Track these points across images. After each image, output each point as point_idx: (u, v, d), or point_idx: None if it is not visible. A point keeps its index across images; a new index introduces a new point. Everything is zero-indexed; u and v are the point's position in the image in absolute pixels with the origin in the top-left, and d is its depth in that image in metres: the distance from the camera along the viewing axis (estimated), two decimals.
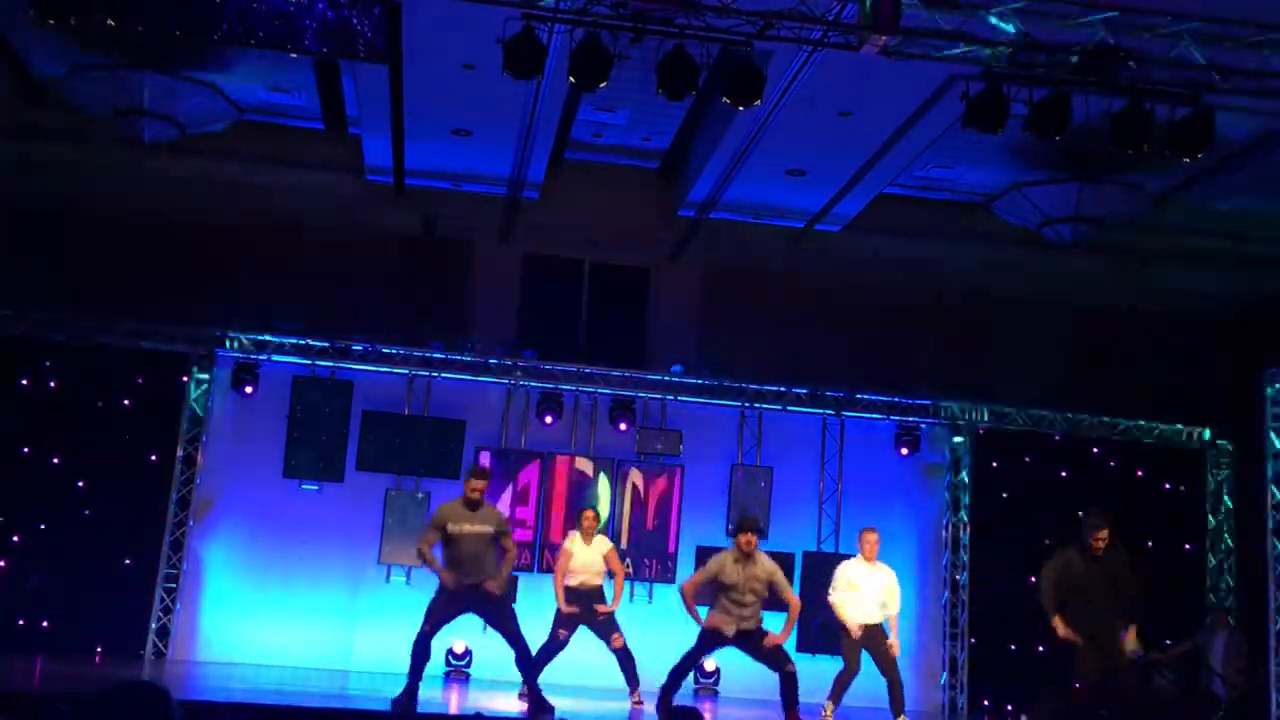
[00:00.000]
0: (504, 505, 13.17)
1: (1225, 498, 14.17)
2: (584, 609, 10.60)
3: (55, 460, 12.55)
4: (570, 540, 10.85)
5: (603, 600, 10.67)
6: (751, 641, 9.48)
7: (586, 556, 10.73)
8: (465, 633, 12.72)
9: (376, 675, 11.07)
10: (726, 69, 8.97)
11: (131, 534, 12.57)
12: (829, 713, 10.53)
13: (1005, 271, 13.77)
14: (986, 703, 13.34)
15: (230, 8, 8.61)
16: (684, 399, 13.70)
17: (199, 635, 12.72)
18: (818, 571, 13.30)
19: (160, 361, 12.96)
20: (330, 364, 13.16)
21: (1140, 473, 14.28)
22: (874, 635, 10.50)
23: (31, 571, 12.23)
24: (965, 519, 13.85)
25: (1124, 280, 13.99)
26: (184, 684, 10.59)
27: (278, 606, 12.72)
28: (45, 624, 12.15)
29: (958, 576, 13.72)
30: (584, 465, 13.46)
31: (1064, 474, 14.12)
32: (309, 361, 13.14)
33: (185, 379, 12.97)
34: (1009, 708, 13.09)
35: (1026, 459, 14.09)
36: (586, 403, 13.63)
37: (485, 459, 12.84)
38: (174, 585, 12.57)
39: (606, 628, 10.60)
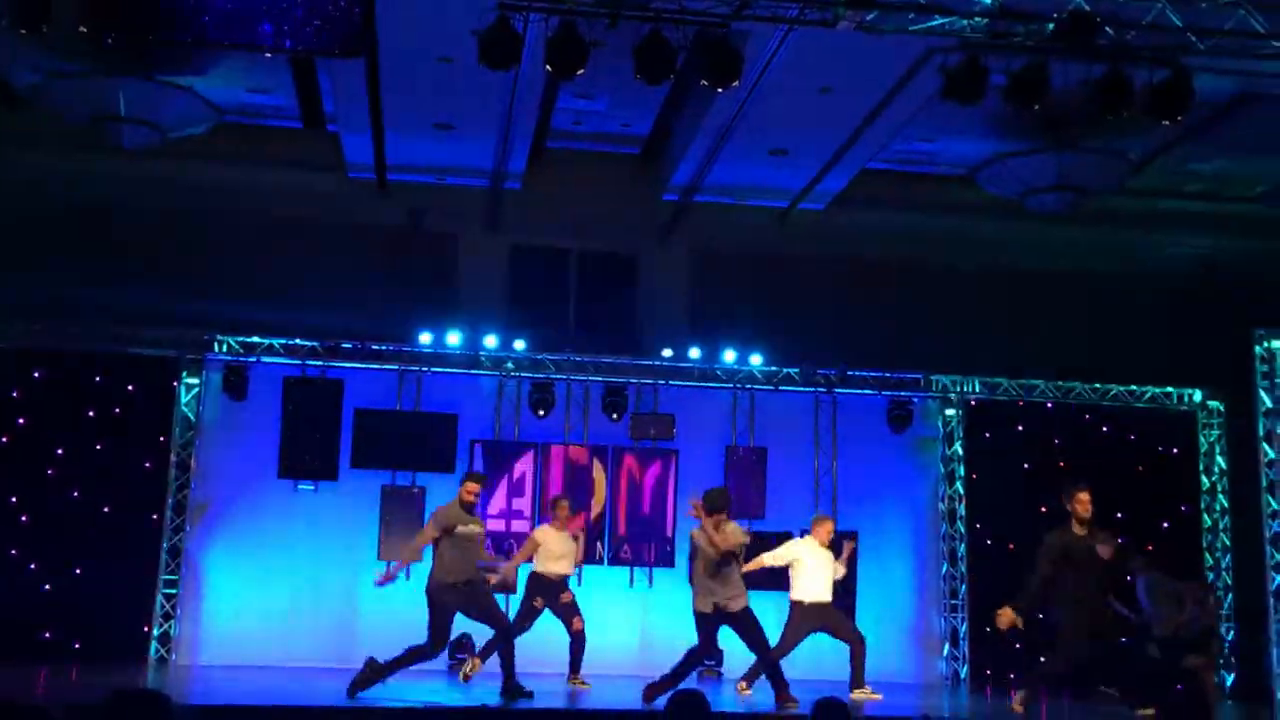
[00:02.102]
0: (500, 497, 13.22)
1: (1218, 458, 14.22)
2: (551, 598, 10.94)
3: (50, 472, 12.52)
4: (540, 531, 11.16)
5: (566, 587, 11.06)
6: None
7: (559, 546, 11.01)
8: (469, 625, 12.75)
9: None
10: (703, 51, 8.96)
11: (129, 541, 12.56)
12: (867, 694, 10.63)
13: (990, 243, 13.79)
14: (988, 672, 13.39)
15: (203, 10, 8.58)
16: (675, 384, 13.71)
17: (201, 639, 12.73)
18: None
19: (150, 367, 12.94)
20: (320, 363, 13.15)
21: (1133, 437, 14.33)
22: (828, 613, 10.79)
23: (32, 582, 12.21)
24: (960, 491, 13.89)
25: (1110, 247, 14.02)
26: (188, 688, 10.60)
27: (279, 607, 12.72)
28: (47, 635, 12.14)
29: (956, 548, 13.77)
30: (578, 454, 13.48)
31: (1057, 441, 14.15)
32: (299, 362, 13.13)
33: (176, 384, 12.95)
34: (1011, 676, 13.14)
35: (1019, 429, 14.13)
36: (579, 391, 13.63)
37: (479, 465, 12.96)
38: (174, 590, 12.58)
39: (568, 611, 10.97)
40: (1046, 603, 9.42)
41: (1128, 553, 12.69)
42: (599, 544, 13.26)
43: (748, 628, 9.38)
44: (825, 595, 10.85)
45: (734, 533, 9.41)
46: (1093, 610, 9.22)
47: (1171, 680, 12.36)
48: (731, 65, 8.92)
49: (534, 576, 11.02)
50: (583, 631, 10.96)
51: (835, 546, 11.12)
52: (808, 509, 13.63)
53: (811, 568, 10.86)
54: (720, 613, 9.31)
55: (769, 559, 10.94)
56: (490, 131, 11.88)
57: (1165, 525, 14.16)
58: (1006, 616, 9.06)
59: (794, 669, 12.50)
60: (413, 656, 9.35)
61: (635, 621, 13.10)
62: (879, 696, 10.64)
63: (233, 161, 12.89)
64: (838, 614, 11.02)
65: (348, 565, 12.83)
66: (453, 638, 12.55)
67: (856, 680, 10.76)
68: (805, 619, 10.77)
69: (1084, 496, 9.33)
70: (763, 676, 9.93)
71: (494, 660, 9.94)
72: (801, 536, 11.36)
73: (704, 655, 9.56)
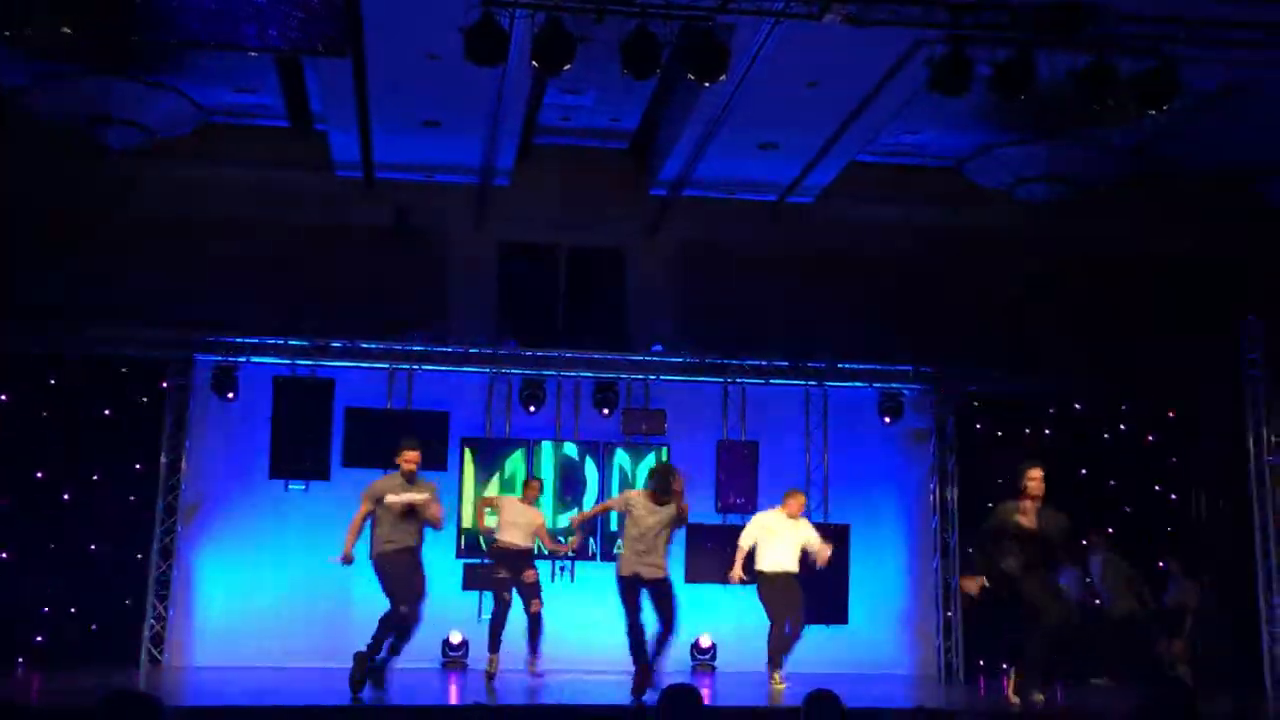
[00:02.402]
0: (492, 494, 13.18)
1: (1210, 447, 14.22)
2: (512, 571, 11.12)
3: (39, 475, 12.49)
4: (503, 497, 11.58)
5: (530, 565, 11.24)
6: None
7: (518, 516, 11.24)
8: (462, 623, 12.77)
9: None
10: (689, 45, 8.95)
11: (120, 543, 12.55)
12: (779, 682, 10.64)
13: (979, 234, 13.79)
14: (981, 662, 13.42)
15: (187, 10, 8.55)
16: (666, 378, 13.71)
17: (194, 640, 12.72)
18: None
19: (139, 369, 12.92)
20: (310, 363, 13.13)
21: (1124, 426, 14.35)
22: (790, 587, 10.79)
23: (23, 585, 12.18)
24: (952, 483, 13.89)
25: (1099, 236, 14.03)
26: (181, 690, 10.61)
27: (271, 607, 12.71)
28: (40, 638, 12.12)
29: (948, 540, 13.77)
30: (569, 450, 13.48)
31: (1048, 432, 14.19)
32: (288, 361, 13.11)
33: (165, 385, 12.92)
34: (1004, 666, 13.16)
35: (1010, 420, 14.14)
36: (569, 387, 13.63)
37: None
38: (166, 592, 12.55)
39: (529, 591, 11.14)
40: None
41: (1080, 533, 12.81)
42: (591, 540, 13.26)
43: (663, 597, 9.36)
44: (789, 566, 10.90)
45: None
46: (1041, 583, 9.38)
47: (1129, 661, 12.52)
48: (718, 59, 8.92)
49: (493, 549, 11.33)
50: (540, 615, 11.14)
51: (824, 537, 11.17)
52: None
53: (777, 536, 10.93)
54: (638, 578, 9.31)
55: (744, 542, 11.01)
56: (478, 128, 11.86)
57: (1157, 514, 14.19)
58: (972, 583, 9.43)
59: (787, 662, 12.59)
60: (386, 626, 9.33)
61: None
62: (783, 685, 10.65)
63: (220, 161, 12.86)
64: (797, 590, 10.92)
65: (340, 565, 12.77)
66: (444, 637, 12.67)
67: (774, 660, 10.83)
68: (770, 587, 10.83)
69: (1035, 474, 9.52)
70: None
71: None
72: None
73: (637, 623, 9.46)
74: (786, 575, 10.85)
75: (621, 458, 13.50)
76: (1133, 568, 13.06)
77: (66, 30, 8.61)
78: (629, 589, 9.27)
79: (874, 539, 13.76)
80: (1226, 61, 9.95)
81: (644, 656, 9.18)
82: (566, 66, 8.80)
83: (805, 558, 11.07)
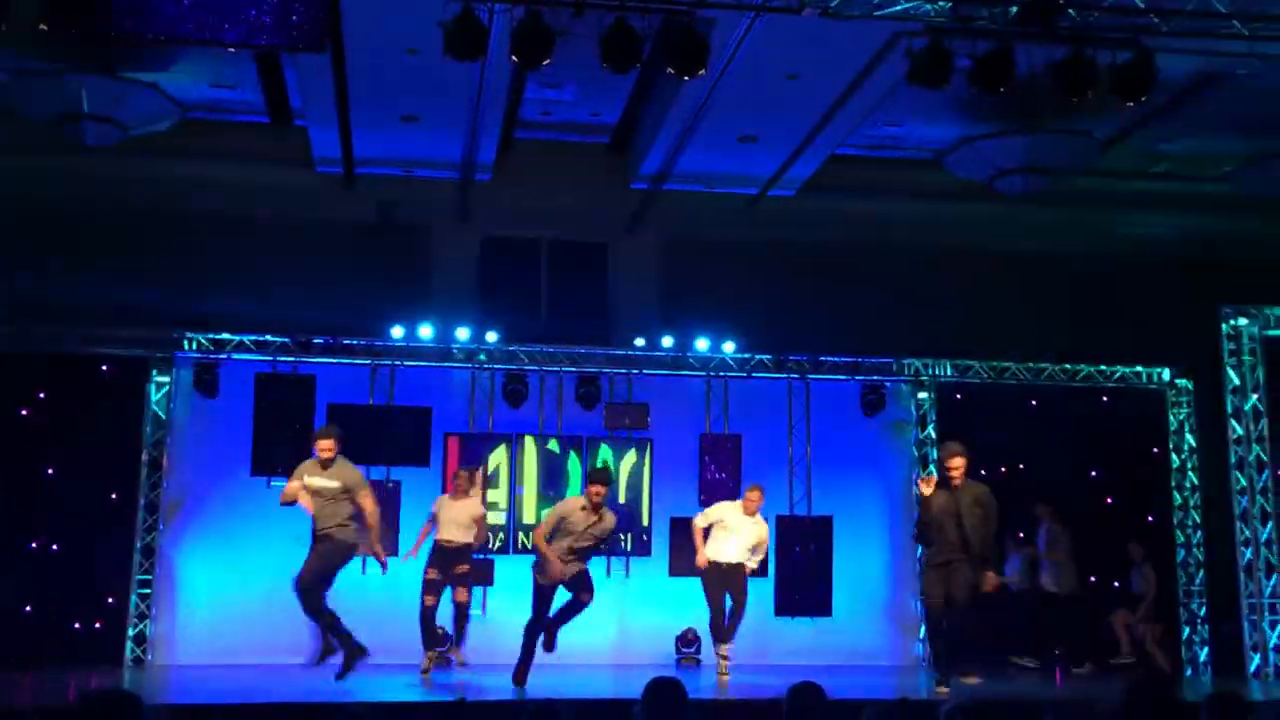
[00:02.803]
0: (474, 489, 13.15)
1: (1188, 436, 14.33)
2: (447, 570, 11.06)
3: (20, 473, 12.43)
4: (437, 501, 11.40)
5: (466, 559, 11.19)
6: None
7: (455, 512, 11.16)
8: (444, 619, 12.74)
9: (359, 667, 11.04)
10: (669, 39, 8.95)
11: (102, 542, 12.49)
12: (724, 669, 10.88)
13: (960, 226, 13.85)
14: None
15: (165, 5, 8.50)
16: (648, 372, 13.72)
17: (177, 639, 12.67)
18: (792, 536, 13.44)
19: (119, 367, 12.87)
20: (291, 359, 13.09)
21: (1103, 416, 14.42)
22: (734, 574, 11.00)
23: (4, 585, 12.12)
24: (933, 474, 13.92)
25: (1078, 227, 14.10)
26: (164, 689, 10.58)
27: (254, 605, 12.64)
28: (22, 637, 12.04)
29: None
30: (553, 445, 13.47)
31: (1029, 423, 14.25)
32: (270, 358, 13.07)
33: (146, 382, 12.86)
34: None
35: (990, 411, 14.19)
36: (552, 382, 13.62)
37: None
38: (148, 590, 12.51)
39: (456, 580, 11.10)
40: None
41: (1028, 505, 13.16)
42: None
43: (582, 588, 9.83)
44: (734, 557, 11.05)
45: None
46: (952, 570, 9.61)
47: (1063, 637, 12.64)
48: (697, 53, 8.92)
49: (433, 547, 11.21)
50: (464, 605, 11.14)
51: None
52: (783, 495, 13.70)
53: (730, 529, 11.07)
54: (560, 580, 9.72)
55: (700, 522, 11.22)
56: (458, 123, 11.83)
57: (1136, 504, 14.28)
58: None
59: (769, 654, 12.65)
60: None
61: (613, 611, 13.10)
62: (727, 663, 10.89)
63: (199, 158, 12.80)
64: (742, 579, 11.13)
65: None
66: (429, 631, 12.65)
67: (721, 643, 11.06)
68: (712, 577, 10.94)
69: (956, 461, 9.69)
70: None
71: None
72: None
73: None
74: (730, 565, 11.05)
75: (605, 452, 13.50)
76: (1067, 531, 13.20)
77: (43, 27, 8.56)
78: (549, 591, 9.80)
79: (857, 531, 13.79)
80: (1203, 52, 10.01)
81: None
82: (546, 61, 8.79)
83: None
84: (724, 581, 11.02)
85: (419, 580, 12.13)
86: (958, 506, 9.70)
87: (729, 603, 11.05)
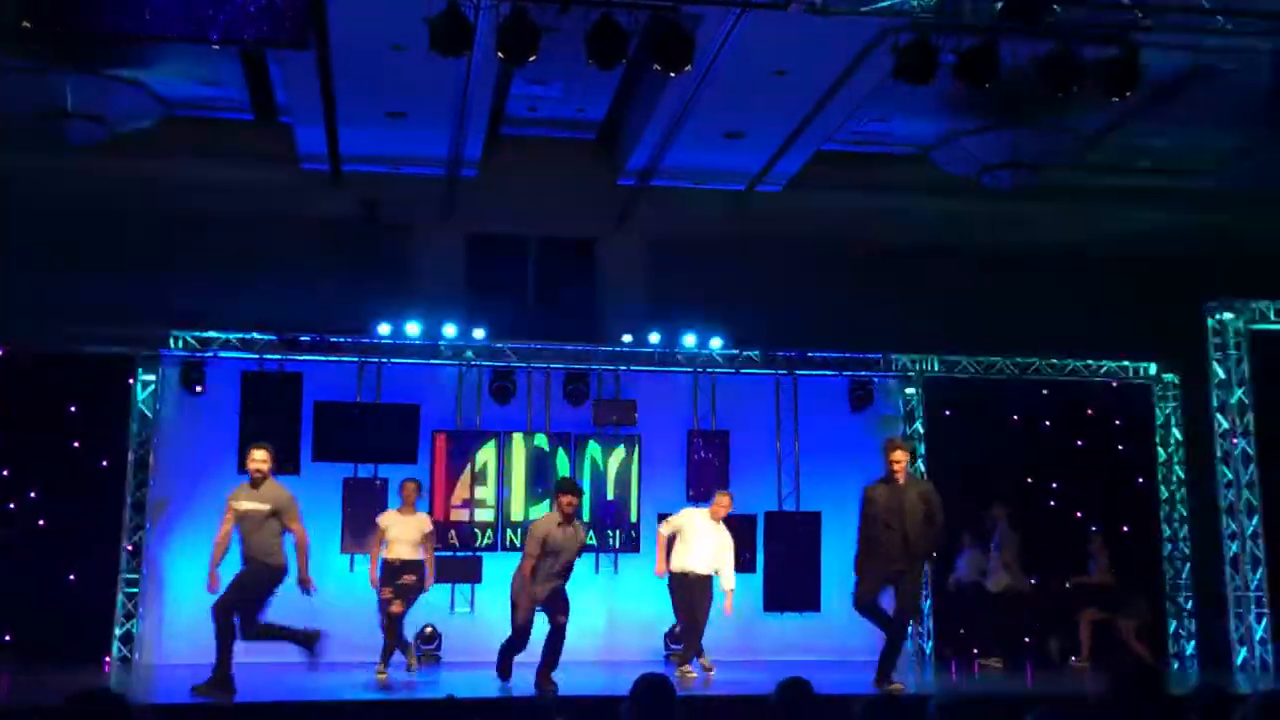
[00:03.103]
0: (463, 486, 13.15)
1: (1174, 430, 14.38)
2: (396, 583, 10.82)
3: (5, 473, 12.39)
4: (384, 517, 11.12)
5: (414, 570, 10.90)
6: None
7: (400, 531, 10.92)
8: (433, 616, 12.74)
9: (344, 666, 11.04)
10: (655, 35, 8.94)
11: (89, 541, 12.43)
12: (689, 671, 10.92)
13: (946, 221, 13.86)
14: (951, 647, 13.51)
15: (148, 3, 8.46)
16: (636, 368, 13.72)
17: (164, 638, 12.63)
18: (780, 531, 13.45)
19: (105, 365, 12.81)
20: (278, 357, 13.06)
21: (1090, 410, 14.48)
22: (702, 588, 11.03)
23: None
24: (921, 469, 13.96)
25: (1065, 222, 14.12)
26: (151, 688, 10.54)
27: None
28: (8, 637, 12.02)
29: None
30: (541, 442, 13.46)
31: (1015, 418, 14.29)
32: (256, 356, 13.04)
33: (131, 380, 12.82)
34: (974, 651, 13.28)
35: (978, 405, 14.23)
36: (539, 379, 13.61)
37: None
38: (135, 589, 12.47)
39: (397, 592, 10.78)
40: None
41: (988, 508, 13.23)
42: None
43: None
44: (702, 569, 11.08)
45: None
46: (893, 566, 9.75)
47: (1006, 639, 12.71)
48: (683, 49, 8.91)
49: (383, 566, 10.97)
50: (398, 617, 10.81)
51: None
52: (771, 490, 13.72)
53: (691, 538, 11.07)
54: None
55: (664, 530, 11.25)
56: (444, 120, 11.80)
57: (1122, 497, 14.32)
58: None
59: (757, 650, 12.66)
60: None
61: (602, 607, 13.12)
62: (695, 675, 10.90)
63: (184, 155, 12.72)
64: (705, 592, 11.15)
65: (311, 559, 12.71)
66: (418, 629, 12.64)
67: (685, 656, 11.12)
68: (679, 588, 10.97)
69: (898, 455, 9.82)
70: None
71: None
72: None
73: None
74: (699, 577, 11.07)
75: (593, 449, 13.49)
76: (1019, 535, 13.27)
77: (26, 24, 8.52)
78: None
79: (845, 526, 13.63)
80: (1188, 48, 10.03)
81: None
82: (532, 57, 8.77)
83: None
84: (691, 593, 11.02)
85: None
86: (901, 503, 9.72)
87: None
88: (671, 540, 11.18)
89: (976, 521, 13.28)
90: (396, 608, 10.74)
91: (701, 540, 11.08)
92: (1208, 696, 4.65)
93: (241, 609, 9.17)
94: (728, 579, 11.21)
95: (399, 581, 10.82)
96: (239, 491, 9.41)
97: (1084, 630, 13.00)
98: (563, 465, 13.38)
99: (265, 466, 9.33)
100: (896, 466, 9.82)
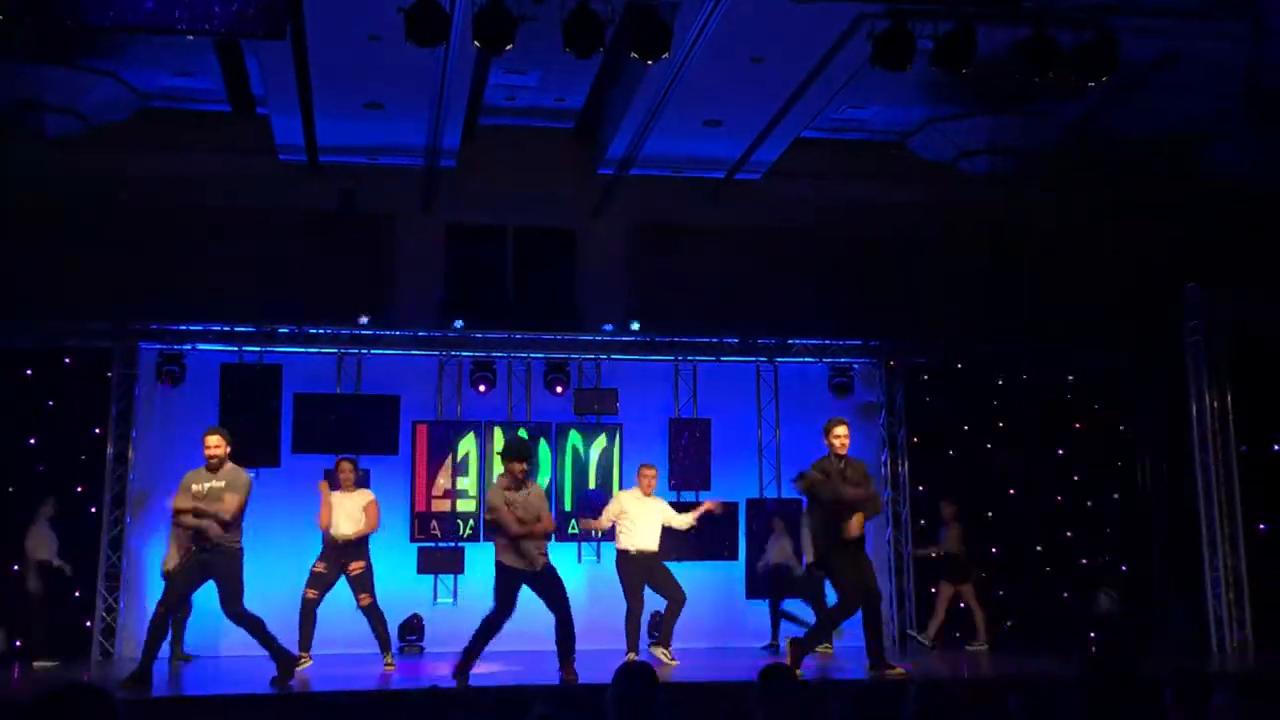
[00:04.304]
0: (444, 476, 13.14)
1: (1152, 415, 14.43)
2: (335, 565, 10.83)
3: None
4: (324, 488, 11.04)
5: (359, 555, 10.87)
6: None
7: (339, 508, 10.88)
8: (418, 606, 12.74)
9: (328, 657, 11.03)
10: (632, 23, 8.93)
11: (68, 535, 12.36)
12: (670, 657, 10.97)
13: (926, 207, 13.88)
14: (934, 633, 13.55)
15: None
16: (617, 358, 13.72)
17: (144, 631, 12.52)
18: (761, 519, 13.47)
19: (82, 359, 12.75)
20: (257, 349, 13.01)
21: (1070, 396, 14.53)
22: (654, 564, 11.12)
23: None
24: (903, 455, 14.01)
25: (1042, 208, 14.16)
26: None
27: None
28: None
29: (900, 512, 13.89)
30: (522, 432, 13.45)
31: (996, 403, 14.33)
32: (235, 348, 12.99)
33: (110, 374, 12.74)
34: (957, 635, 13.33)
35: (959, 392, 14.28)
36: (520, 368, 13.60)
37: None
38: (115, 583, 12.41)
39: (356, 585, 10.81)
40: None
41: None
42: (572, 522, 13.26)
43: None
44: (649, 545, 11.15)
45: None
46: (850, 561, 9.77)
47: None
48: (661, 37, 8.92)
49: (324, 542, 11.00)
50: (371, 608, 10.79)
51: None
52: (752, 478, 13.75)
53: (636, 516, 11.15)
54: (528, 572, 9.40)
55: (604, 521, 11.37)
56: (422, 110, 11.76)
57: (1103, 483, 14.39)
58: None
59: (740, 636, 12.70)
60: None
61: (584, 596, 13.10)
62: (676, 663, 10.89)
63: (161, 147, 12.68)
64: (662, 567, 11.26)
65: (292, 551, 12.68)
66: (402, 620, 12.63)
67: (663, 638, 11.18)
68: (632, 569, 11.03)
69: (840, 430, 9.91)
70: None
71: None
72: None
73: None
74: (651, 553, 11.13)
75: (575, 438, 13.49)
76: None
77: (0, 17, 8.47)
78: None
79: None
80: (1165, 32, 10.07)
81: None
82: (509, 46, 8.76)
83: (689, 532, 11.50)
84: (644, 573, 11.06)
85: (392, 570, 12.14)
86: (857, 477, 9.79)
87: (655, 599, 11.17)
88: (612, 527, 11.30)
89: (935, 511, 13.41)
90: (364, 600, 10.83)
91: (645, 517, 11.17)
92: (1184, 679, 4.69)
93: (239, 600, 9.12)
94: (682, 521, 11.29)
95: (350, 571, 10.83)
96: (192, 477, 9.26)
97: (940, 603, 13.08)
98: (544, 455, 13.37)
99: (222, 450, 9.22)
100: (840, 441, 9.88)
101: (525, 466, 9.44)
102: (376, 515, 11.06)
